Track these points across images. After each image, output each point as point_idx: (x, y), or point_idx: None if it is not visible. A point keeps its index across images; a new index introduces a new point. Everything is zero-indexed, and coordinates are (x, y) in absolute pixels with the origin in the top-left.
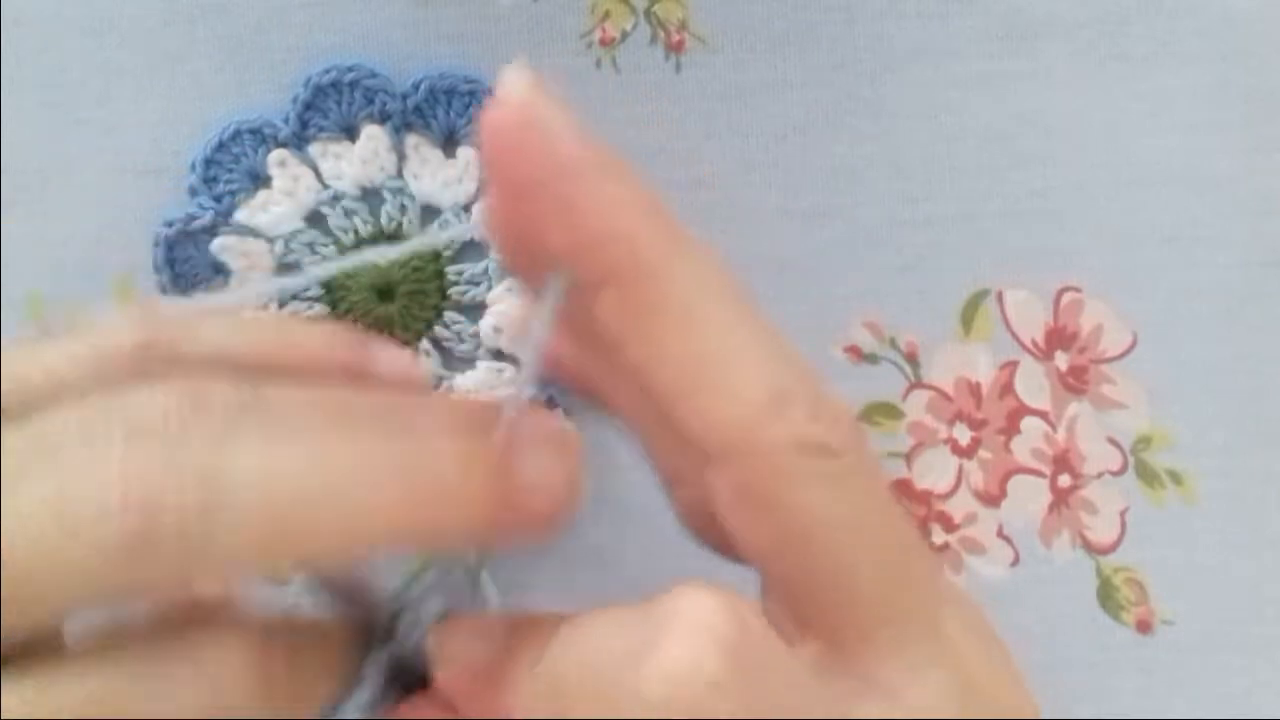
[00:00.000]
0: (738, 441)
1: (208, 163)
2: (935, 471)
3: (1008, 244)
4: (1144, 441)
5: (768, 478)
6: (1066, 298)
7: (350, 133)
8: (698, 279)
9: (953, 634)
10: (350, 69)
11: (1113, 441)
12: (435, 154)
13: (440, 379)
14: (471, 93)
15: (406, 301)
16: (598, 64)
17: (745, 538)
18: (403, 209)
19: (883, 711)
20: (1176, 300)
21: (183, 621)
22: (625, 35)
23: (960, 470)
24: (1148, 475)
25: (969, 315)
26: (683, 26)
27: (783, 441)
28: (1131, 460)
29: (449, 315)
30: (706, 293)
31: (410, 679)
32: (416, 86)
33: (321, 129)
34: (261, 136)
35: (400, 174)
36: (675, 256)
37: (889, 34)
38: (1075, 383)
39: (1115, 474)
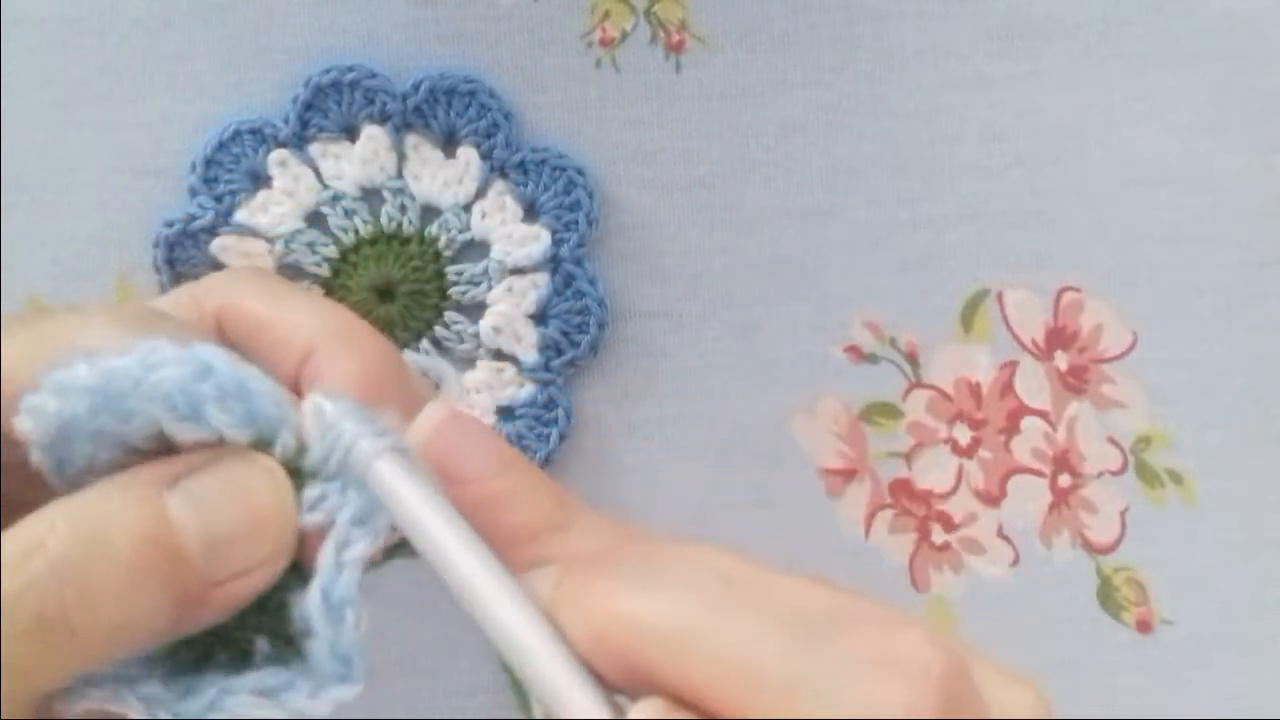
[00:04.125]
0: None
1: (208, 163)
2: (935, 471)
3: (1008, 244)
4: (1144, 441)
5: None
6: (1066, 297)
7: (350, 133)
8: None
9: None
10: (350, 69)
11: (1113, 441)
12: (435, 154)
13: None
14: (471, 93)
15: (407, 302)
16: (598, 64)
17: None
18: (403, 209)
19: None
20: (1176, 300)
21: None
22: (625, 35)
23: (960, 470)
24: (1148, 475)
25: (969, 315)
26: (683, 26)
27: None
28: (1131, 460)
29: (449, 315)
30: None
31: None
32: (416, 86)
33: (321, 129)
34: (261, 136)
35: (400, 174)
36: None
37: (889, 34)
38: (1075, 382)
39: (1115, 474)
